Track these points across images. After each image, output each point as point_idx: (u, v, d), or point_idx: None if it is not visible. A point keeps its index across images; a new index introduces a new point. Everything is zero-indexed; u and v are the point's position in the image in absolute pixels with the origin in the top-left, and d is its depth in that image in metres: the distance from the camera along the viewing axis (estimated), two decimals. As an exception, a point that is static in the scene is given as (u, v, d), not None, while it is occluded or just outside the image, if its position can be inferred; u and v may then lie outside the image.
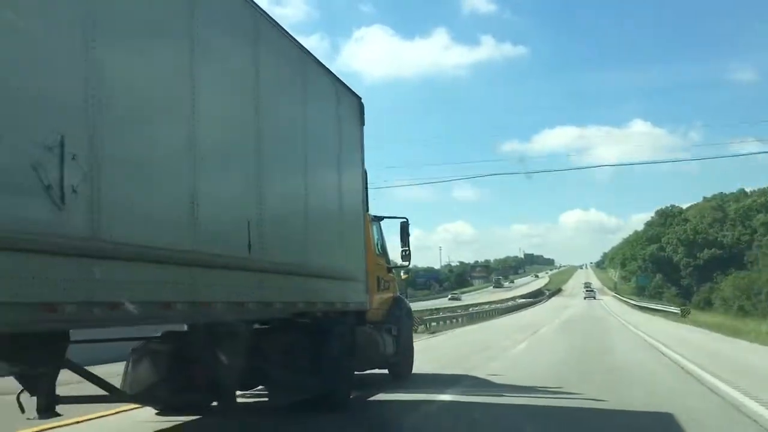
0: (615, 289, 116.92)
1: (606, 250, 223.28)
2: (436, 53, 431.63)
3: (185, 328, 6.37)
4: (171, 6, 4.69)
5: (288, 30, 6.34)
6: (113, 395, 6.02)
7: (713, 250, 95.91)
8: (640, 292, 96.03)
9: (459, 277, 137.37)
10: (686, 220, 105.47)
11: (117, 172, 3.90)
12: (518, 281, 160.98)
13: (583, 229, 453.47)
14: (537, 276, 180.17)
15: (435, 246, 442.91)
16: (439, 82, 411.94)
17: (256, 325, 6.87)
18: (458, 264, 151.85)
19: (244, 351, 6.02)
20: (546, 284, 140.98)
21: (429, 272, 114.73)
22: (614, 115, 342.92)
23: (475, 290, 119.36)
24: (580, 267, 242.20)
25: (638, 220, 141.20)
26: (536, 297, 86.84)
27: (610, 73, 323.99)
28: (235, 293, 5.26)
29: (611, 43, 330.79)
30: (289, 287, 6.23)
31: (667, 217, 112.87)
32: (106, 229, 3.77)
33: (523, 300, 72.02)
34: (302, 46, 6.83)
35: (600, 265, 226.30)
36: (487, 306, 50.11)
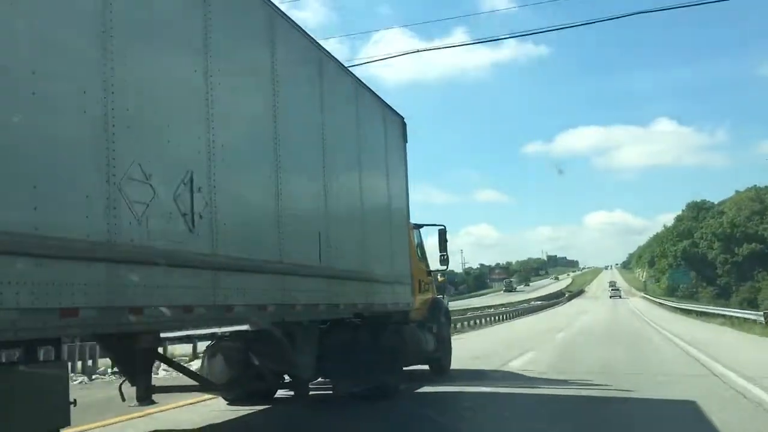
0: (644, 289, 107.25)
1: (632, 252, 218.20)
2: (457, 54, 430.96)
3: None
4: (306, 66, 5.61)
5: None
6: (200, 385, 6.98)
7: (753, 244, 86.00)
8: (671, 292, 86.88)
9: (477, 280, 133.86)
10: (722, 213, 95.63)
11: (226, 200, 4.80)
12: (536, 284, 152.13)
13: (608, 231, 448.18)
14: (557, 278, 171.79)
15: (458, 249, 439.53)
16: (460, 83, 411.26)
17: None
18: (478, 267, 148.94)
19: (313, 347, 6.92)
20: (567, 286, 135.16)
21: (447, 275, 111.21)
22: (639, 114, 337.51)
23: (489, 293, 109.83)
24: (605, 268, 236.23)
25: (665, 220, 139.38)
26: (554, 299, 77.04)
27: (634, 72, 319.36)
28: (311, 297, 6.16)
29: (634, 41, 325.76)
30: (351, 290, 7.12)
31: (699, 210, 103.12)
32: (221, 246, 4.68)
33: (539, 302, 63.25)
34: (356, 77, 7.72)
35: (626, 266, 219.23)
36: (492, 310, 42.68)
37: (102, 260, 3.58)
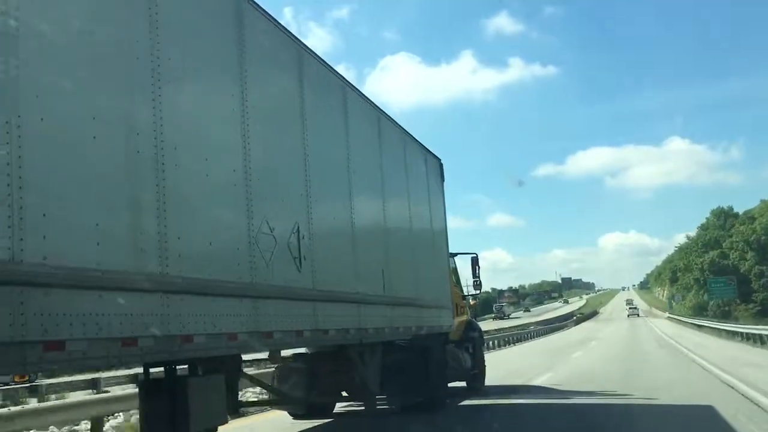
0: (670, 308, 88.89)
1: (649, 272, 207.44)
2: (464, 77, 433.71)
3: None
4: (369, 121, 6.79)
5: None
6: (278, 400, 8.06)
7: (794, 253, 73.48)
8: (699, 311, 73.54)
9: (484, 303, 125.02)
10: (752, 218, 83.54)
11: (320, 246, 5.91)
12: (541, 308, 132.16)
13: (624, 252, 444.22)
14: (566, 301, 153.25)
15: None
16: (468, 106, 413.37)
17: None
18: (488, 291, 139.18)
19: (378, 366, 8.00)
20: (580, 308, 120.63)
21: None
22: (650, 133, 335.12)
23: (486, 318, 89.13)
24: (622, 289, 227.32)
25: (682, 240, 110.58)
26: (558, 323, 66.41)
27: (643, 91, 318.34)
28: (378, 321, 7.26)
29: (642, 61, 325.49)
30: (407, 315, 8.21)
31: (726, 217, 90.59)
32: (320, 283, 5.80)
33: (540, 327, 53.57)
34: (402, 127, 8.89)
35: (644, 286, 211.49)
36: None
37: (249, 297, 4.71)
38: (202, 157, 4.36)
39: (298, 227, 5.55)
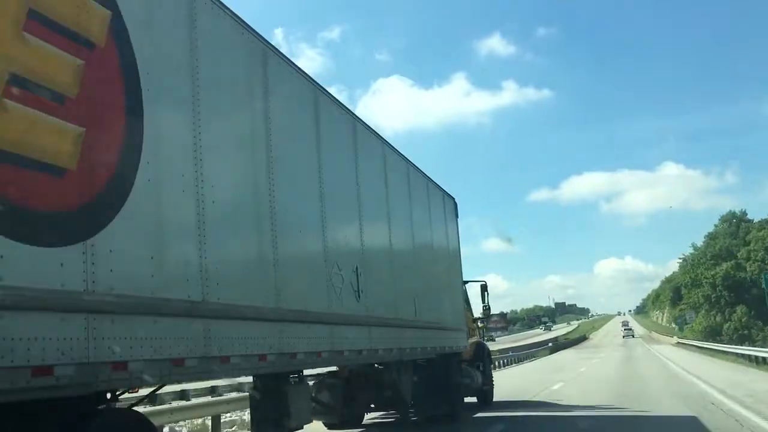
0: (681, 331, 68.35)
1: (644, 297, 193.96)
2: (457, 100, 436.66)
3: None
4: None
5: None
6: (319, 410, 9.35)
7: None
8: (711, 335, 59.08)
9: None
10: None
11: (372, 281, 7.29)
12: (520, 334, 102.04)
13: (620, 278, 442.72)
14: (549, 327, 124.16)
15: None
16: (461, 130, 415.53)
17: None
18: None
19: (410, 381, 9.34)
20: (567, 333, 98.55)
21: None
22: (644, 158, 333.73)
23: None
24: (618, 314, 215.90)
25: (676, 267, 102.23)
26: (531, 350, 47.53)
27: (636, 117, 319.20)
28: (413, 342, 8.63)
29: (637, 84, 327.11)
30: (432, 336, 9.60)
31: (739, 223, 77.13)
32: (372, 311, 7.18)
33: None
34: (425, 173, 10.32)
35: (640, 311, 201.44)
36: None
37: (326, 323, 6.09)
38: (302, 228, 5.85)
39: (357, 267, 6.95)
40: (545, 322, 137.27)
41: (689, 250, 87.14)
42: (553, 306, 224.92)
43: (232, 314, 4.53)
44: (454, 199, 12.01)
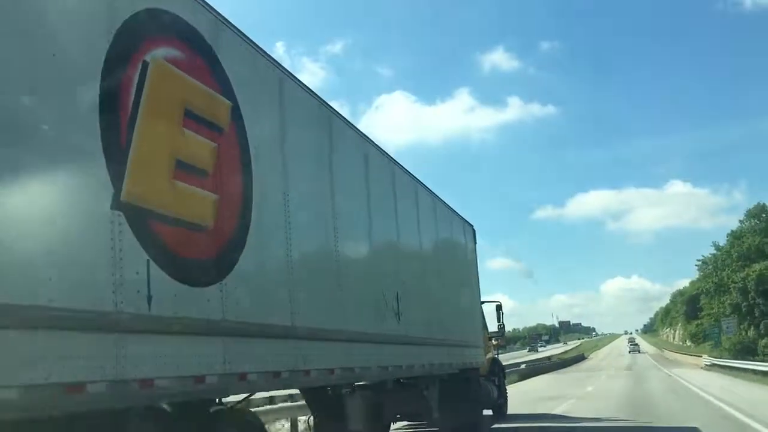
0: (716, 346, 53.67)
1: (652, 316, 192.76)
2: (461, 116, 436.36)
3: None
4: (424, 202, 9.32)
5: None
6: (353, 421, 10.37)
7: None
8: (743, 352, 47.44)
9: None
10: None
11: (409, 304, 8.36)
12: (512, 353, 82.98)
13: (626, 298, 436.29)
14: (535, 349, 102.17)
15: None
16: (464, 146, 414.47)
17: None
18: None
19: (437, 394, 10.36)
20: (563, 353, 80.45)
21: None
22: (651, 176, 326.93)
23: None
24: (624, 333, 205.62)
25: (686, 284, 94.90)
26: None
27: (645, 133, 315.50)
28: (440, 358, 9.68)
29: (643, 102, 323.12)
30: (457, 354, 10.65)
31: None
32: (410, 332, 8.24)
33: None
34: (448, 205, 11.42)
35: (648, 329, 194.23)
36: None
37: (375, 342, 7.16)
38: (359, 265, 6.95)
39: (397, 293, 8.02)
40: (546, 341, 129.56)
41: (709, 251, 69.36)
42: (557, 325, 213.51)
43: (317, 336, 5.64)
44: (472, 226, 13.09)
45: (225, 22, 4.96)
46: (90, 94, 3.55)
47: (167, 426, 4.46)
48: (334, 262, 6.34)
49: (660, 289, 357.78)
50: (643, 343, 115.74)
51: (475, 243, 13.17)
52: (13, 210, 3.06)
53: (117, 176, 3.62)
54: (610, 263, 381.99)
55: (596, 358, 79.69)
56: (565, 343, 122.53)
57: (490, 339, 14.88)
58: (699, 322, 70.94)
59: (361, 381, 7.11)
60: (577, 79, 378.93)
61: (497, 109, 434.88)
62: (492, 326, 14.99)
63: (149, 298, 3.76)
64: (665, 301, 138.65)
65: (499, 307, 14.91)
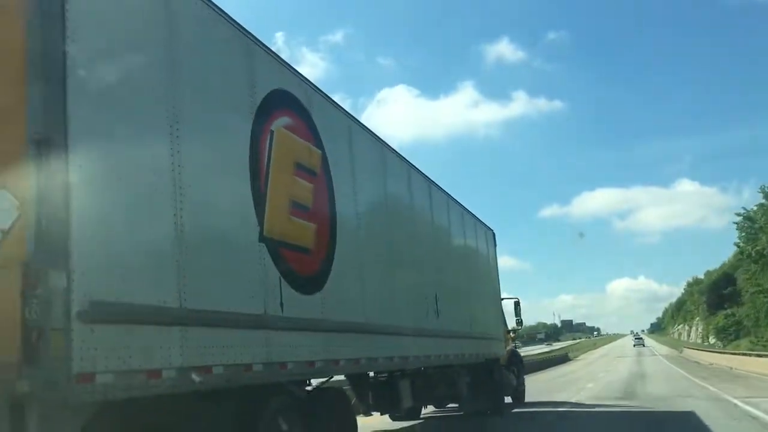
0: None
1: (659, 316, 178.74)
2: (465, 111, 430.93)
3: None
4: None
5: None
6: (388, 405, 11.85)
7: None
8: None
9: None
10: None
11: (445, 303, 9.78)
12: None
13: (633, 299, 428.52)
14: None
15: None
16: (469, 142, 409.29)
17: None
18: None
19: (465, 381, 11.80)
20: (546, 352, 59.97)
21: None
22: (659, 175, 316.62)
23: None
24: (630, 333, 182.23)
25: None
26: None
27: (653, 131, 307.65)
28: (468, 350, 11.12)
29: (652, 99, 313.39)
30: (483, 345, 12.08)
31: None
32: (445, 326, 9.67)
33: None
34: (473, 213, 12.82)
35: (656, 329, 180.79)
36: None
37: (418, 336, 8.59)
38: (409, 271, 8.37)
39: (436, 294, 9.45)
40: (541, 339, 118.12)
41: (739, 214, 43.57)
42: (559, 324, 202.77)
43: (382, 331, 7.09)
44: (493, 231, 14.50)
45: (314, 87, 6.41)
46: (243, 154, 4.98)
47: (292, 396, 5.82)
48: (391, 273, 7.78)
49: (667, 290, 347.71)
50: (654, 344, 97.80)
51: (495, 246, 14.59)
52: (194, 239, 4.37)
53: (260, 216, 5.06)
54: (616, 263, 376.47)
55: (594, 355, 62.45)
56: (549, 344, 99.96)
57: (508, 333, 16.29)
58: (729, 312, 54.21)
59: (411, 367, 8.52)
60: (585, 72, 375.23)
61: (502, 104, 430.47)
62: (510, 321, 16.41)
63: (282, 305, 5.21)
64: (674, 300, 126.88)
65: (517, 304, 16.32)
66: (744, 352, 35.21)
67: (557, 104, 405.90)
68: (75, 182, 3.31)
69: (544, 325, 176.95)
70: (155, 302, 3.84)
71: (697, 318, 78.09)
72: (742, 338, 48.01)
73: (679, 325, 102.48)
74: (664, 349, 72.34)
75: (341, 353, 6.18)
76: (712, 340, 59.46)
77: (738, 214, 43.86)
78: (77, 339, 3.21)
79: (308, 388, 6.34)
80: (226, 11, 5.00)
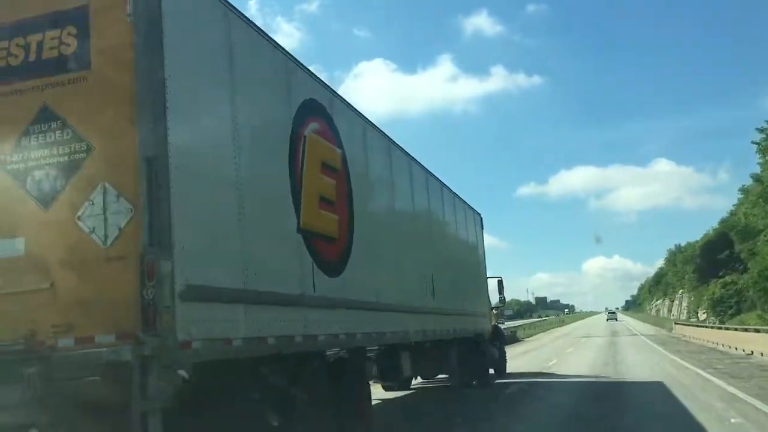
0: None
1: (634, 294, 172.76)
2: (442, 85, 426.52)
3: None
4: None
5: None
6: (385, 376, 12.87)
7: None
8: None
9: None
10: None
11: (440, 284, 10.74)
12: None
13: (607, 277, 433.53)
14: None
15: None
16: (446, 118, 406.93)
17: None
18: None
19: (455, 355, 12.84)
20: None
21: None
22: (636, 154, 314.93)
23: None
24: (606, 309, 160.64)
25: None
26: None
27: (632, 110, 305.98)
28: (455, 325, 12.14)
29: (632, 78, 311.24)
30: (472, 322, 13.15)
31: None
32: (440, 304, 10.66)
33: None
34: (464, 200, 13.78)
35: (631, 306, 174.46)
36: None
37: (419, 313, 9.56)
38: (411, 253, 9.31)
39: (432, 275, 10.42)
40: (509, 316, 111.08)
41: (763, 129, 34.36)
42: (533, 301, 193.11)
43: (389, 309, 8.06)
44: (480, 215, 15.49)
45: (335, 94, 7.25)
46: (284, 157, 5.84)
47: (321, 361, 6.75)
48: (396, 256, 8.71)
49: (641, 269, 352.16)
50: (628, 320, 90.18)
51: (482, 228, 15.59)
52: (252, 232, 5.21)
53: (297, 210, 5.93)
54: (592, 242, 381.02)
55: (534, 342, 39.49)
56: (500, 323, 71.53)
57: (491, 310, 17.38)
58: (728, 279, 43.14)
59: (412, 340, 9.49)
60: (565, 48, 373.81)
61: (481, 79, 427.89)
62: (494, 299, 17.50)
63: (314, 286, 6.11)
64: (650, 277, 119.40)
65: (500, 282, 17.38)
66: (705, 325, 33.77)
67: (536, 80, 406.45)
68: (174, 191, 4.15)
69: (518, 302, 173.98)
70: (228, 284, 4.72)
71: (681, 290, 68.79)
72: (745, 312, 37.94)
73: (657, 300, 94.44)
74: (644, 327, 58.28)
75: (358, 327, 7.12)
76: (702, 315, 48.99)
77: (761, 129, 33.15)
78: (179, 315, 4.09)
79: (330, 354, 7.27)
80: (268, 34, 5.83)
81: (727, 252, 47.52)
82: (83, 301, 4.07)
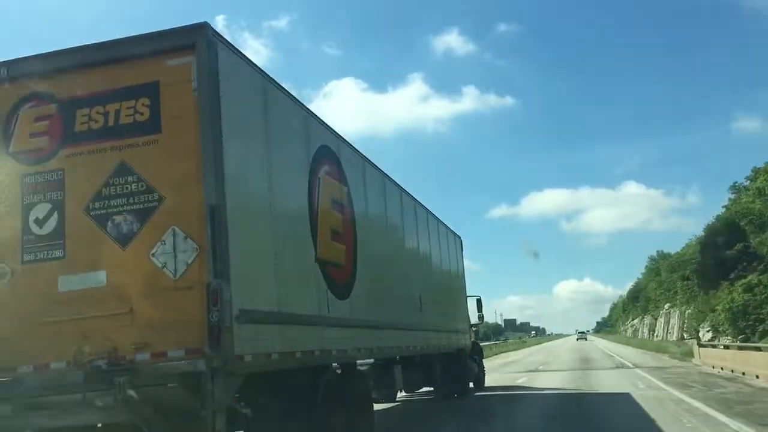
0: None
1: (605, 316, 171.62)
2: (413, 106, 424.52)
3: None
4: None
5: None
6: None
7: None
8: None
9: None
10: None
11: (426, 302, 11.75)
12: None
13: (578, 300, 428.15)
14: None
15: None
16: (417, 139, 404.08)
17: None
18: None
19: (440, 368, 13.82)
20: None
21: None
22: (606, 176, 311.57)
23: None
24: (576, 331, 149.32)
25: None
26: None
27: (602, 133, 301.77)
28: (440, 342, 13.14)
29: (603, 100, 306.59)
30: (455, 338, 14.18)
31: None
32: (427, 321, 11.66)
33: None
34: (445, 223, 14.84)
35: (602, 328, 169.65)
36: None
37: (409, 329, 10.54)
38: (403, 279, 10.31)
39: (420, 295, 11.43)
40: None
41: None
42: (502, 324, 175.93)
43: (385, 326, 9.04)
44: (460, 237, 16.59)
45: (341, 138, 8.27)
46: (304, 197, 6.82)
47: (334, 373, 7.66)
48: (390, 279, 9.72)
49: (612, 292, 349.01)
50: (602, 343, 71.67)
51: (462, 250, 16.69)
52: (283, 263, 6.20)
53: (314, 242, 6.91)
54: (563, 264, 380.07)
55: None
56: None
57: (470, 327, 18.44)
58: (753, 280, 33.10)
59: (404, 354, 10.47)
60: (536, 69, 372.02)
61: (453, 100, 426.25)
62: (473, 317, 18.57)
63: (328, 307, 7.07)
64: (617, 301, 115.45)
65: (479, 301, 18.53)
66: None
67: (508, 101, 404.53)
68: (231, 233, 5.10)
69: (486, 324, 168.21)
70: (267, 308, 5.67)
71: (668, 304, 56.69)
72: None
73: (634, 319, 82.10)
74: (633, 354, 37.07)
75: (362, 343, 8.09)
76: (707, 333, 36.75)
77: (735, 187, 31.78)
78: (236, 334, 5.03)
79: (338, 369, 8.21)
80: (291, 93, 6.84)
81: (740, 245, 36.68)
82: (157, 323, 4.99)
